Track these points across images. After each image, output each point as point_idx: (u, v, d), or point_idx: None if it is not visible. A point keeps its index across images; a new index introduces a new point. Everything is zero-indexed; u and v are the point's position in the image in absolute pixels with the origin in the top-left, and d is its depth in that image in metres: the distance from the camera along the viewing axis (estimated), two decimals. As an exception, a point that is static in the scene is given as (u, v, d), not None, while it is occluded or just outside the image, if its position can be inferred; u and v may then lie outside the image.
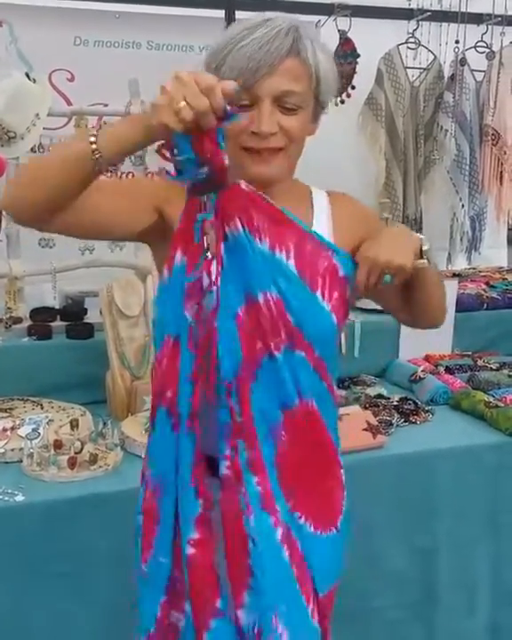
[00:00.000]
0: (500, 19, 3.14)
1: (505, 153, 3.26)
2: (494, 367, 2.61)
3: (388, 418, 2.19)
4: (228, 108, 1.01)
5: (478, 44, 3.16)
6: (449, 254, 3.39)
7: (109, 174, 2.74)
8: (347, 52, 2.99)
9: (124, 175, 2.78)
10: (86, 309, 2.50)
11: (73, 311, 2.46)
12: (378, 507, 1.99)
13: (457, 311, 2.67)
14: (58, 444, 1.86)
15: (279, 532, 1.22)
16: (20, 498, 1.72)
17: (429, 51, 3.15)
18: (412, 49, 3.12)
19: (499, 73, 3.16)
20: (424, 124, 3.23)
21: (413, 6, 3.10)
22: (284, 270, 1.20)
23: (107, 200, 1.19)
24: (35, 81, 2.28)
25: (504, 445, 2.13)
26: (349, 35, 2.97)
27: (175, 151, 1.04)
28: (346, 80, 2.99)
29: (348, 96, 3.00)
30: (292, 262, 1.21)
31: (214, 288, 1.13)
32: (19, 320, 2.36)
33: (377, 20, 3.07)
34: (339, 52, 2.99)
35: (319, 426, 1.27)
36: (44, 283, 2.46)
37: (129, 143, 1.06)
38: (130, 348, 2.24)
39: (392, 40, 3.11)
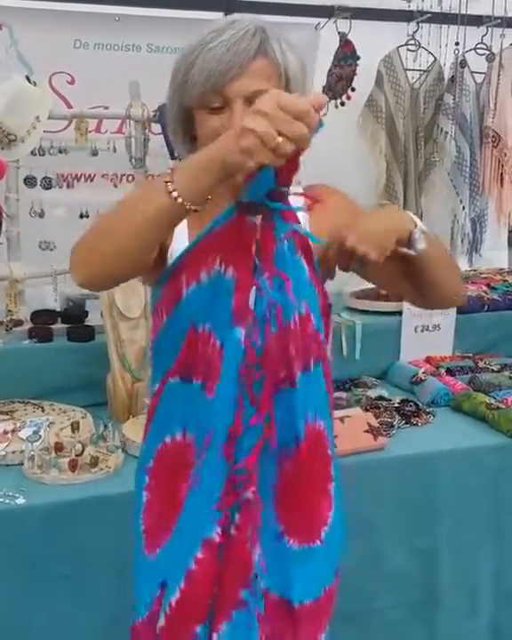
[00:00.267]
0: (499, 20, 3.13)
1: (505, 155, 3.26)
2: (495, 369, 2.61)
3: (389, 419, 2.20)
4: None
5: (478, 46, 3.16)
6: (450, 256, 3.39)
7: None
8: (347, 55, 2.99)
9: (123, 177, 2.78)
10: (87, 312, 2.49)
11: (74, 313, 2.46)
12: (379, 508, 1.99)
13: (458, 313, 2.67)
14: (59, 447, 1.86)
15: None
16: (20, 500, 1.72)
17: (429, 53, 3.14)
18: (412, 51, 3.12)
19: (499, 75, 3.15)
20: (424, 126, 3.23)
21: (413, 8, 3.10)
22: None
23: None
24: (35, 84, 2.28)
25: (505, 447, 2.13)
26: (349, 37, 2.97)
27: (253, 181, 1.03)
28: (346, 82, 2.99)
29: (349, 98, 3.00)
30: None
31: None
32: (19, 323, 2.37)
33: (377, 22, 3.07)
34: (339, 55, 2.99)
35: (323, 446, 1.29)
36: (45, 285, 2.47)
37: (207, 187, 1.04)
38: (131, 351, 2.24)
39: (392, 42, 3.11)
